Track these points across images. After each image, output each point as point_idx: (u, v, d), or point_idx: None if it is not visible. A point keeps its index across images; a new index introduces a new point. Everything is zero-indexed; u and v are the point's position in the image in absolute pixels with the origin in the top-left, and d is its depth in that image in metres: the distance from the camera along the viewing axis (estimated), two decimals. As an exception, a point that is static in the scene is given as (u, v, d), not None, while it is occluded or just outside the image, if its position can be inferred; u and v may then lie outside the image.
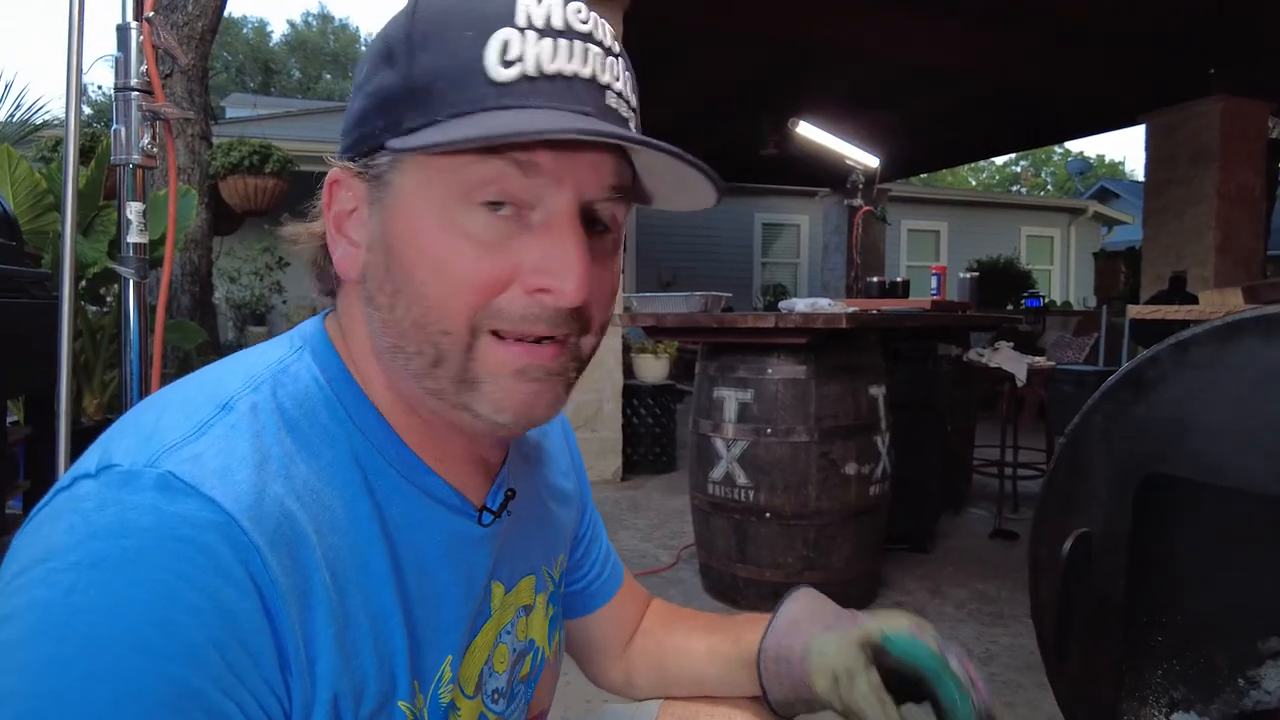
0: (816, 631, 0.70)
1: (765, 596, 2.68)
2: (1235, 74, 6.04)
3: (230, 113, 14.53)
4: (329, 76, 37.24)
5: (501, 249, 0.49)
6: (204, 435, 0.47)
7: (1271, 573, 1.00)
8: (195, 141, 4.74)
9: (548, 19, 0.49)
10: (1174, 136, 6.54)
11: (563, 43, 0.49)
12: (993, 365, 3.56)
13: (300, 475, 0.49)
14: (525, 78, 0.48)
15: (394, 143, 0.49)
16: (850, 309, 2.77)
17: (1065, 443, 0.95)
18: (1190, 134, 6.40)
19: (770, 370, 2.67)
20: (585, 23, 0.51)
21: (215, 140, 5.25)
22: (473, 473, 0.61)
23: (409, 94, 0.49)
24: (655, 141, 0.49)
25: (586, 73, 0.50)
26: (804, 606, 0.75)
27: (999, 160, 33.05)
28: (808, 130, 4.60)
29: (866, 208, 4.68)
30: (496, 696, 0.64)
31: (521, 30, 0.48)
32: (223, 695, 0.41)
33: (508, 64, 0.48)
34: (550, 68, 0.48)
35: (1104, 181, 21.68)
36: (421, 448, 0.57)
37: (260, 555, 0.45)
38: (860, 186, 4.61)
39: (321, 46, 38.03)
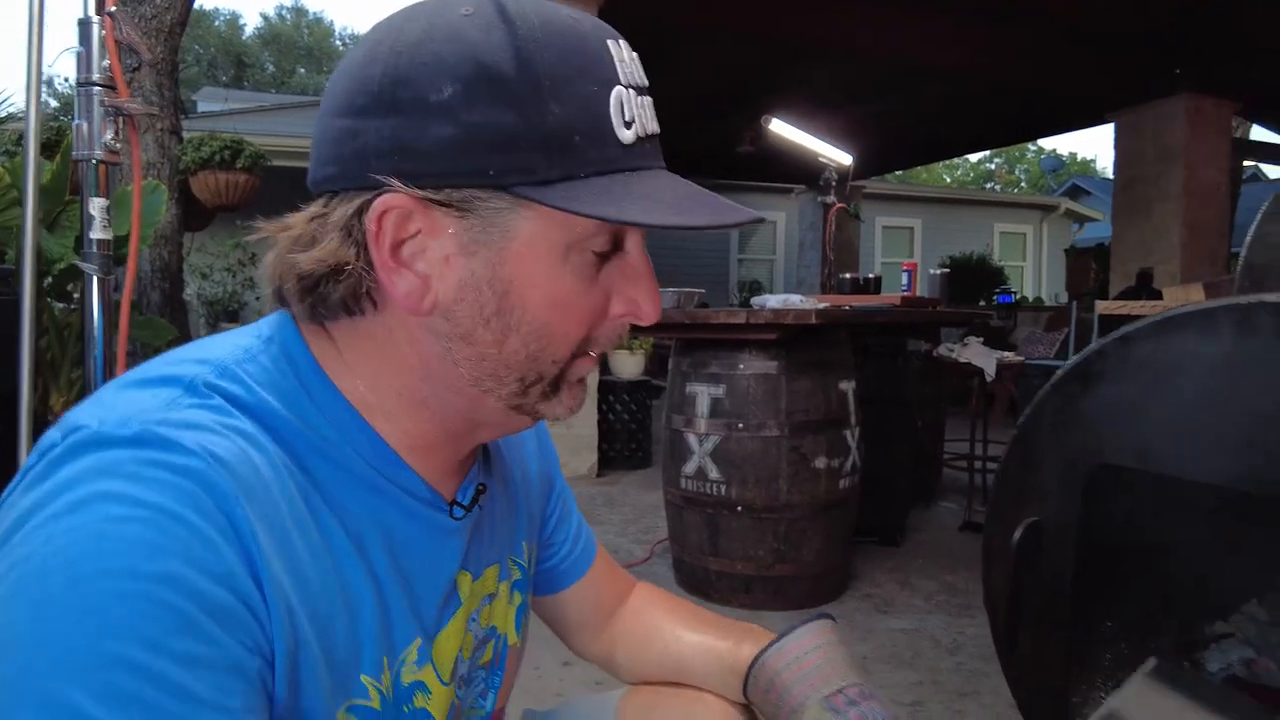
0: (824, 698, 0.71)
1: (737, 589, 2.70)
2: (1200, 73, 6.14)
3: (202, 106, 14.33)
4: (303, 71, 36.80)
5: (597, 284, 0.54)
6: (170, 409, 0.48)
7: (1215, 559, 1.04)
8: (165, 136, 4.67)
9: (633, 76, 0.53)
10: (1141, 135, 6.65)
11: (647, 101, 0.54)
12: (962, 360, 3.61)
13: (268, 450, 0.50)
14: (639, 140, 0.53)
15: (536, 194, 0.49)
16: (820, 305, 2.80)
17: (1017, 435, 0.97)
18: (1157, 132, 6.51)
19: (742, 366, 2.69)
20: (644, 76, 0.55)
21: (186, 135, 5.18)
22: (447, 468, 0.62)
23: (542, 143, 0.48)
24: (756, 217, 0.55)
25: (654, 128, 0.55)
26: (819, 645, 0.75)
27: (973, 158, 33.37)
28: (780, 128, 4.62)
29: (839, 204, 4.71)
30: (461, 683, 0.66)
31: (626, 88, 0.52)
32: (214, 624, 0.42)
33: (627, 124, 0.51)
34: (651, 129, 0.54)
35: (1076, 179, 21.93)
36: (401, 446, 0.57)
37: (239, 503, 0.45)
38: (833, 183, 4.64)
39: (295, 40, 37.58)
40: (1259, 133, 9.33)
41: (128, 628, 0.39)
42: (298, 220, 0.54)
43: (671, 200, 0.52)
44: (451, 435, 0.59)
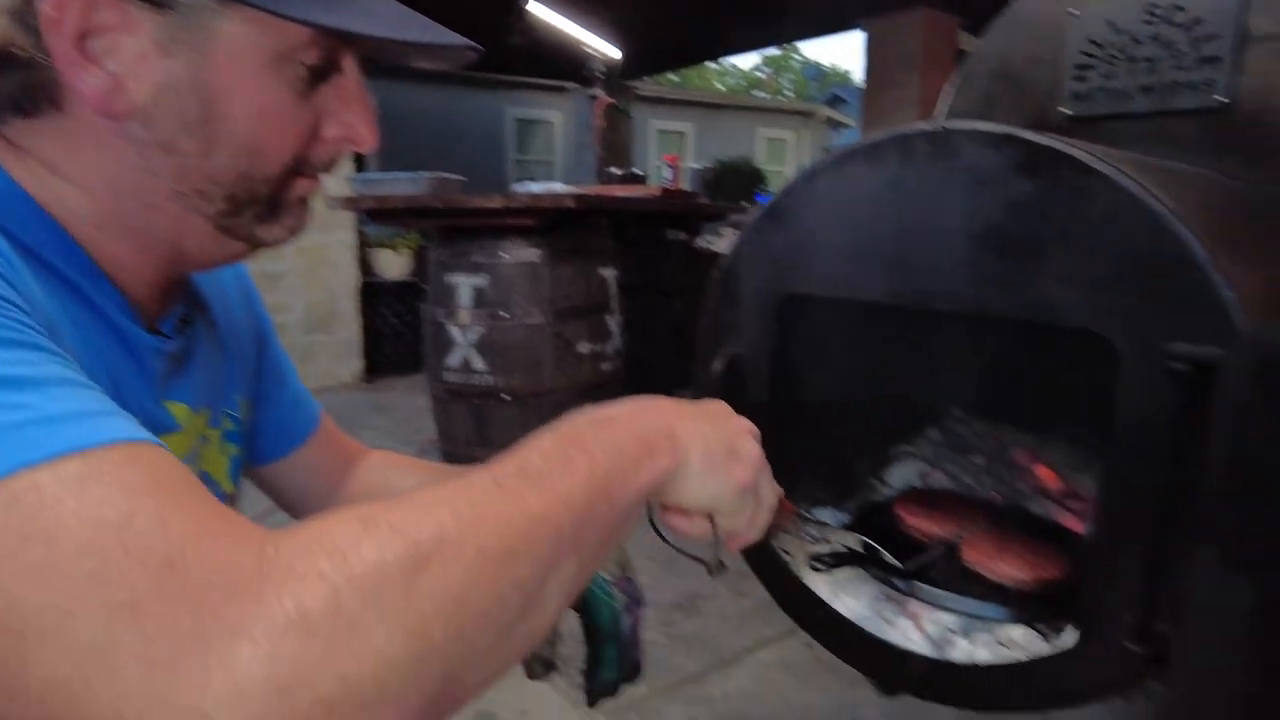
0: None
1: (505, 476, 2.74)
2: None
3: None
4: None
5: (310, 102, 0.52)
6: None
7: (893, 380, 1.17)
8: None
9: None
10: (885, 44, 7.14)
11: None
12: (719, 251, 3.78)
13: None
14: None
15: None
16: (579, 191, 2.80)
17: (719, 274, 1.02)
18: (898, 42, 7.02)
19: (504, 254, 2.65)
20: None
21: None
22: (147, 294, 0.57)
23: None
24: (472, 45, 0.55)
25: None
26: None
27: (744, 66, 34.50)
28: (541, 12, 4.49)
29: (608, 100, 4.69)
30: None
31: None
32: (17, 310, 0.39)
33: None
34: None
35: (836, 89, 23.43)
36: (104, 261, 0.52)
37: None
38: (601, 76, 4.60)
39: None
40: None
41: None
42: None
43: (387, 16, 0.50)
44: (153, 260, 0.55)
